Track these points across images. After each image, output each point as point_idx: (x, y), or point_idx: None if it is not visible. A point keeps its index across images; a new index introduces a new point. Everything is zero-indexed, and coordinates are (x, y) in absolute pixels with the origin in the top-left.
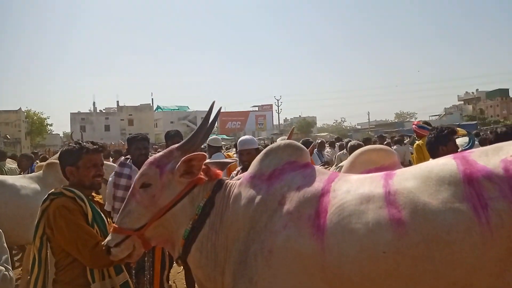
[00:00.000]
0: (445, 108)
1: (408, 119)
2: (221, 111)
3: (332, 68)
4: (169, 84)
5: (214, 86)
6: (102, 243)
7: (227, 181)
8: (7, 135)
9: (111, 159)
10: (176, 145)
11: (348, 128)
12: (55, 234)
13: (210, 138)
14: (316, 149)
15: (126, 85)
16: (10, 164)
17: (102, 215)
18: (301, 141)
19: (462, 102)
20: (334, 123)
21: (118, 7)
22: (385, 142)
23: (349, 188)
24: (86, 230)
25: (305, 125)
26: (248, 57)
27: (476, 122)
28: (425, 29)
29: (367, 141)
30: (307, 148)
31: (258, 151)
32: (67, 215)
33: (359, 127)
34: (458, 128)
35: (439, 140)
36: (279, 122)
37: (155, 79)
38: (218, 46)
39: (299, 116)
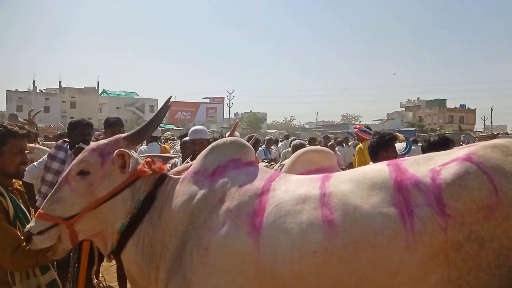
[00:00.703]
0: (387, 113)
1: (353, 121)
2: (171, 100)
3: (286, 66)
4: (118, 68)
5: (166, 74)
6: (27, 228)
7: (169, 176)
8: None
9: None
10: (124, 134)
11: (297, 126)
12: None
13: None
14: (264, 145)
15: (70, 65)
16: None
17: (24, 208)
18: (246, 137)
19: (404, 109)
20: (283, 120)
21: None
22: (330, 143)
23: (288, 188)
24: (6, 230)
25: (255, 121)
26: (203, 48)
27: (414, 129)
28: (378, 37)
29: (312, 141)
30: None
31: (209, 142)
32: None
33: (307, 126)
34: (398, 134)
35: (380, 145)
36: (229, 116)
37: (103, 61)
38: (173, 33)
39: (250, 111)
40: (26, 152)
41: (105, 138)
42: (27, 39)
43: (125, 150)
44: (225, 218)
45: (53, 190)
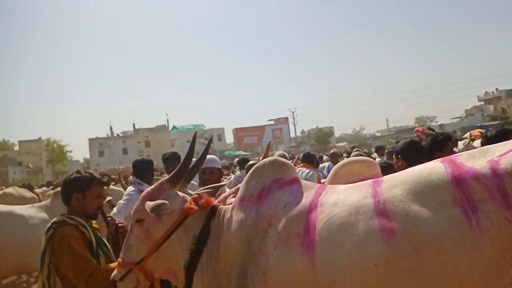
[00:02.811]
0: (465, 109)
1: (428, 123)
2: (237, 127)
3: (348, 76)
4: (184, 104)
5: (228, 102)
6: (111, 276)
7: (220, 206)
8: (29, 164)
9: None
10: (166, 177)
11: (368, 136)
12: (57, 261)
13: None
14: (330, 162)
15: (142, 108)
16: (25, 193)
17: (104, 240)
18: (301, 154)
19: (483, 103)
20: (352, 132)
21: (128, 34)
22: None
23: (337, 200)
24: (85, 258)
25: (322, 136)
26: (261, 71)
27: (498, 122)
28: (441, 31)
29: (379, 149)
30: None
31: (220, 171)
32: (70, 244)
33: (378, 134)
34: (478, 130)
35: (434, 146)
36: (296, 135)
37: (170, 100)
38: (229, 64)
39: (316, 127)
40: (101, 197)
41: (166, 172)
42: (101, 89)
43: (155, 203)
44: (276, 241)
45: (125, 240)
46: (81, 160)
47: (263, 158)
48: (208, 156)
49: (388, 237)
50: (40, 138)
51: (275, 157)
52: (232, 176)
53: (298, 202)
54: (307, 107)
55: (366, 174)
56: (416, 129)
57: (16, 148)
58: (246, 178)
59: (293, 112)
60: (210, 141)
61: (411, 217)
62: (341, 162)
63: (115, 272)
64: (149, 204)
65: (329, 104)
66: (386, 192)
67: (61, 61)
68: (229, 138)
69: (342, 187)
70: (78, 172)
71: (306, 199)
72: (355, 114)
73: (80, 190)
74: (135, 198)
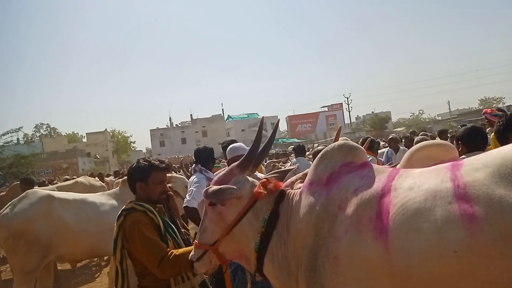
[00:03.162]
0: None
1: (494, 104)
2: (290, 114)
3: (403, 57)
4: (238, 93)
5: (281, 90)
6: (189, 256)
7: (288, 190)
8: (97, 155)
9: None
10: (236, 163)
11: (428, 120)
12: (130, 246)
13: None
14: (389, 148)
15: (198, 98)
16: (94, 182)
17: (171, 224)
18: (360, 140)
19: None
20: (411, 116)
21: (184, 25)
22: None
23: (412, 184)
24: (156, 243)
25: (379, 122)
26: (313, 56)
27: None
28: (503, 8)
29: (442, 134)
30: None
31: None
32: (141, 229)
33: (439, 118)
34: None
35: (509, 127)
36: (350, 121)
37: (225, 89)
38: (282, 49)
39: (372, 112)
40: (166, 182)
41: (224, 159)
42: (161, 82)
43: (224, 188)
44: (347, 226)
45: (201, 221)
46: (144, 150)
47: (334, 141)
48: (234, 145)
49: (469, 222)
50: (106, 130)
51: (344, 141)
52: (289, 163)
53: (369, 187)
54: (361, 91)
55: (443, 158)
56: (484, 110)
57: (85, 140)
58: (314, 162)
59: (347, 98)
60: (266, 127)
61: (495, 202)
62: (416, 146)
63: (192, 252)
64: (208, 190)
65: (385, 88)
66: (467, 176)
67: (123, 58)
68: (282, 126)
69: (417, 171)
70: (137, 161)
71: (378, 184)
72: (414, 98)
73: (142, 179)
74: (204, 184)
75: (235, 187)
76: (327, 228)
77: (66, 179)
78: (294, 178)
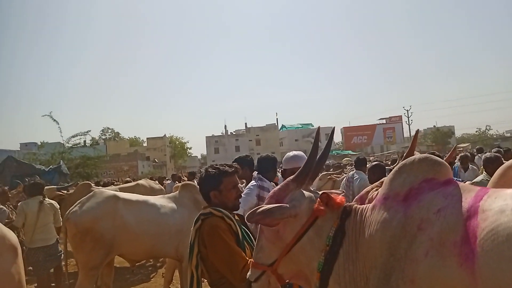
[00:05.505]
0: None
1: None
2: (346, 126)
3: (470, 70)
4: (292, 103)
5: (337, 100)
6: (247, 275)
7: (355, 206)
8: (155, 159)
9: None
10: (292, 177)
11: (495, 136)
12: (208, 253)
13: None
14: (458, 163)
15: (253, 107)
16: (154, 185)
17: (248, 231)
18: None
19: None
20: (476, 131)
21: (241, 35)
22: None
23: (503, 206)
24: (237, 251)
25: (441, 136)
26: (372, 68)
27: None
28: None
29: (506, 153)
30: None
31: None
32: (221, 235)
33: (508, 134)
34: None
35: None
36: (410, 135)
37: (279, 99)
38: (338, 61)
39: (434, 126)
40: (237, 186)
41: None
42: (217, 90)
43: (269, 208)
44: (427, 248)
45: (257, 239)
46: (199, 156)
47: (410, 148)
48: (295, 153)
49: None
50: (165, 135)
51: (426, 154)
52: (344, 176)
53: (454, 207)
54: (422, 104)
55: None
56: None
57: (145, 144)
58: (390, 175)
59: (407, 110)
60: (320, 138)
61: None
62: (508, 163)
63: (249, 272)
64: (256, 211)
65: (448, 102)
66: None
67: (183, 68)
68: (337, 137)
69: (510, 191)
70: (206, 170)
71: (464, 204)
72: (479, 112)
73: (215, 187)
74: (254, 193)
75: (287, 205)
76: (403, 249)
77: (127, 181)
78: (369, 187)
